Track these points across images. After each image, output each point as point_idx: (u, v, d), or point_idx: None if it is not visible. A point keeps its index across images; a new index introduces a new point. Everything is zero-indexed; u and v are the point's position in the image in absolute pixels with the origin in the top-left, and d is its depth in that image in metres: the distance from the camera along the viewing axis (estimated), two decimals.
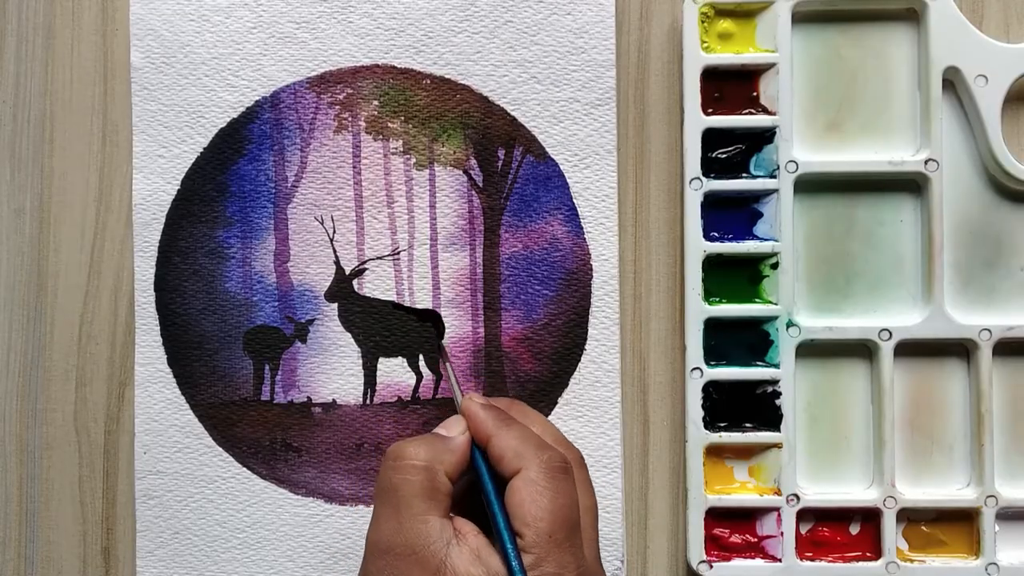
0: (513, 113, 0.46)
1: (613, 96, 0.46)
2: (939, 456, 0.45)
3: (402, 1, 0.46)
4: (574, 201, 0.46)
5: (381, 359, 0.46)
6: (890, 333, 0.44)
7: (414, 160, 0.46)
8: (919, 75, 0.45)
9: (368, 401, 0.46)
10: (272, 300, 0.46)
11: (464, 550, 0.37)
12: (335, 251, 0.46)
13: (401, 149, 0.46)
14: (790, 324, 0.44)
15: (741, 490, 0.45)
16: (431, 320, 0.46)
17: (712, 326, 0.45)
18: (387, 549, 0.37)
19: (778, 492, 0.45)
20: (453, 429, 0.40)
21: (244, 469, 0.46)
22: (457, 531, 0.37)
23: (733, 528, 0.45)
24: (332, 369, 0.46)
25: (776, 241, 0.45)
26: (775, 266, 0.45)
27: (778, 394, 0.45)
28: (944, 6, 0.44)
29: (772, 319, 0.45)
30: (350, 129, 0.46)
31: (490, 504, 0.38)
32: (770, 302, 0.45)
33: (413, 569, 0.36)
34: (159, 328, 0.47)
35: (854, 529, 0.45)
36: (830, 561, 0.44)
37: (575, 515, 0.37)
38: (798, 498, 0.44)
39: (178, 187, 0.47)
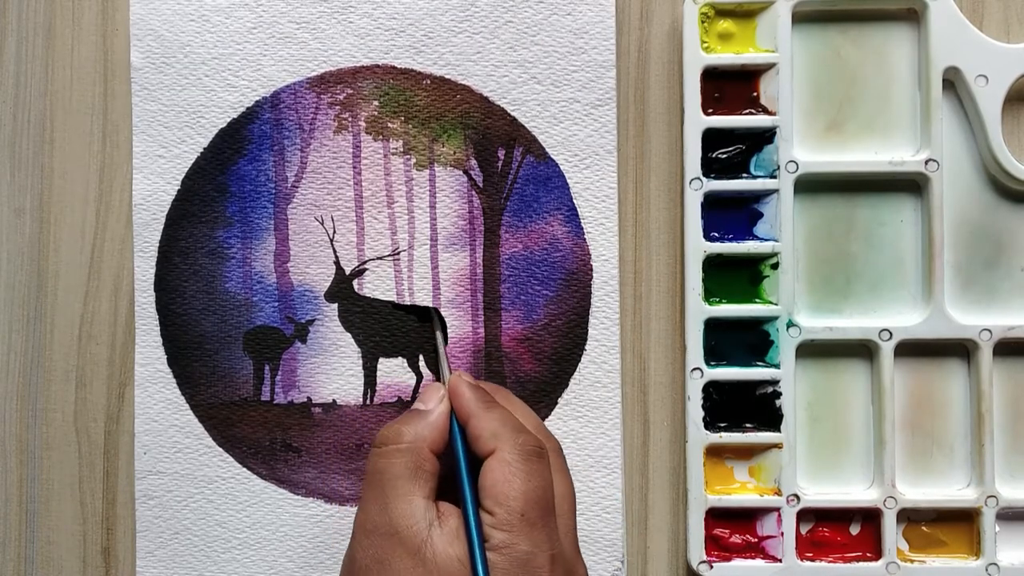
0: (513, 113, 0.46)
1: (613, 96, 0.46)
2: (939, 456, 0.45)
3: (402, 1, 0.46)
4: (574, 201, 0.46)
5: (381, 359, 0.46)
6: (890, 333, 0.44)
7: (414, 160, 0.46)
8: (919, 75, 0.45)
9: (368, 401, 0.46)
10: (272, 300, 0.46)
11: (445, 531, 0.37)
12: (335, 251, 0.46)
13: (401, 149, 0.46)
14: (790, 324, 0.44)
15: (741, 490, 0.45)
16: (432, 317, 0.46)
17: (712, 326, 0.45)
18: (372, 529, 0.38)
19: (778, 492, 0.45)
20: (430, 401, 0.40)
21: (244, 469, 0.46)
22: (440, 513, 0.38)
23: (733, 528, 0.45)
24: (332, 369, 0.46)
25: (776, 241, 0.45)
26: (775, 266, 0.45)
27: (778, 394, 0.45)
28: (944, 6, 0.44)
29: (772, 319, 0.45)
30: (350, 129, 0.46)
31: (460, 479, 0.39)
32: (770, 302, 0.45)
33: (396, 548, 0.37)
34: (159, 328, 0.47)
35: (854, 529, 0.45)
36: (830, 561, 0.44)
37: (549, 499, 0.38)
38: (798, 498, 0.44)
39: (178, 187, 0.47)
